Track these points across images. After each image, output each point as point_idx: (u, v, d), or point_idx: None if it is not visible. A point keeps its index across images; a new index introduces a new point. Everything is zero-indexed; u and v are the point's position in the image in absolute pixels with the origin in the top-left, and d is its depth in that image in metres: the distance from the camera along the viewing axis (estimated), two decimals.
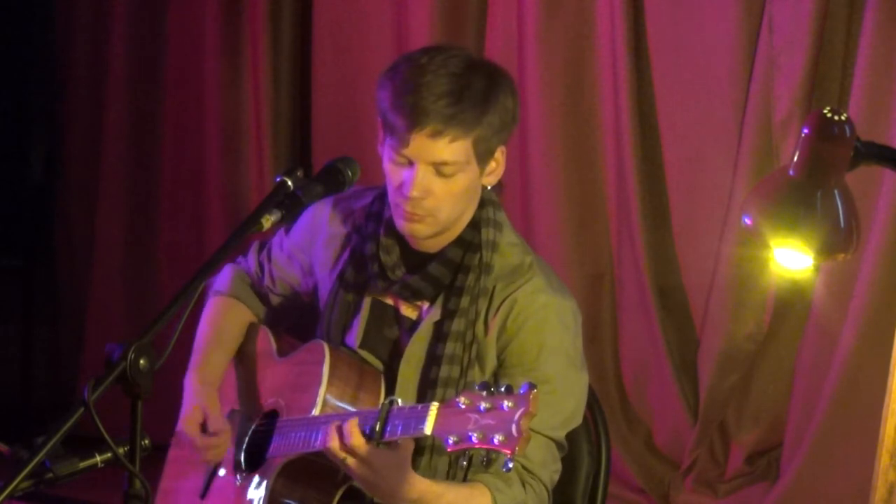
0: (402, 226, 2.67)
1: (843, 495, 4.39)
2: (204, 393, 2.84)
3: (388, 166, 2.65)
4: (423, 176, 2.60)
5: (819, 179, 2.23)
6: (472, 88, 2.59)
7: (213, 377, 2.89)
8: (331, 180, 2.63)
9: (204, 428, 2.78)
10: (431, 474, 2.63)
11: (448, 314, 2.68)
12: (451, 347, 2.66)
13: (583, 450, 2.88)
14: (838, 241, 2.26)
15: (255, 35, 5.43)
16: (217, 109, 5.52)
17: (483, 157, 2.65)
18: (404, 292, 2.73)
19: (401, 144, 2.60)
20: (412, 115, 2.57)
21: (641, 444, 4.86)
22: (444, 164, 2.60)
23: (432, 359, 2.68)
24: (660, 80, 4.70)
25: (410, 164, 2.61)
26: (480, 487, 2.61)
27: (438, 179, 2.61)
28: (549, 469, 2.67)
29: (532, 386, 2.20)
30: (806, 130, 2.23)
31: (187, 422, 2.79)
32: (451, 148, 2.59)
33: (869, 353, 4.25)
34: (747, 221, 2.29)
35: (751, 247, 4.25)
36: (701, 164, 4.68)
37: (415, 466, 2.58)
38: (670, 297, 4.78)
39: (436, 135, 2.57)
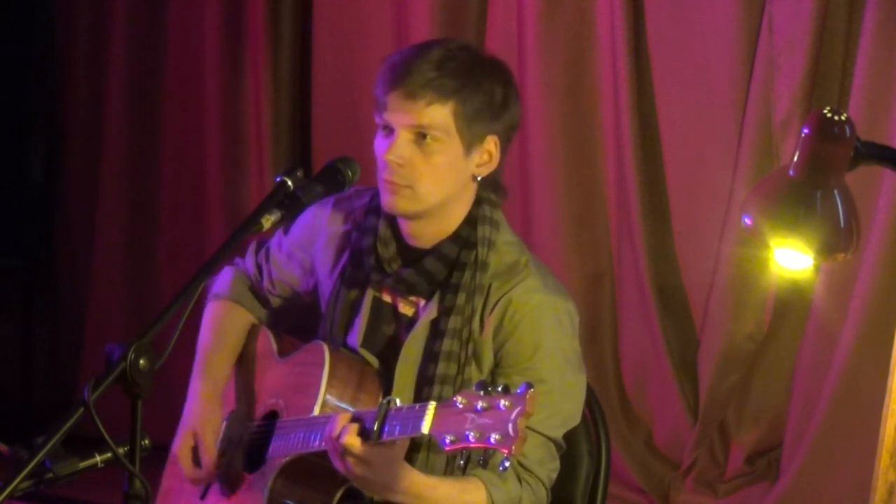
0: (385, 201, 2.68)
1: (843, 495, 4.39)
2: (204, 410, 2.84)
3: (375, 144, 2.68)
4: (401, 141, 2.63)
5: (819, 179, 2.23)
6: (458, 61, 2.63)
7: (218, 382, 2.90)
8: (331, 180, 2.63)
9: (195, 455, 2.81)
10: (428, 472, 2.63)
11: (444, 311, 2.69)
12: (447, 344, 2.67)
13: (583, 449, 2.88)
14: (838, 241, 2.26)
15: (255, 35, 5.43)
16: (217, 110, 5.52)
17: (467, 136, 2.65)
18: (399, 286, 2.73)
19: (381, 108, 2.64)
20: (393, 75, 2.62)
21: (641, 444, 4.86)
22: (422, 127, 2.61)
23: (429, 356, 2.69)
24: (660, 80, 4.70)
25: (392, 132, 2.64)
26: (475, 481, 2.61)
27: (418, 150, 2.63)
28: (547, 467, 2.68)
29: (529, 386, 2.21)
30: (806, 130, 2.23)
31: (180, 446, 2.83)
32: (428, 112, 2.61)
33: (869, 353, 4.25)
34: (747, 221, 2.29)
35: (751, 247, 4.25)
36: (701, 164, 4.68)
37: (411, 464, 2.59)
38: (670, 297, 4.78)
39: (411, 96, 2.60)
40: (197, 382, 2.89)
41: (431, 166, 2.64)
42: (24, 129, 5.91)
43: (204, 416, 2.83)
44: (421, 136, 2.63)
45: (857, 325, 4.30)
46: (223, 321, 2.97)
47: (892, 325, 2.43)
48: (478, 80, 2.64)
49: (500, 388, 2.22)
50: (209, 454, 2.80)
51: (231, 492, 2.78)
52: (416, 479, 2.54)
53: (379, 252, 2.74)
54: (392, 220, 2.74)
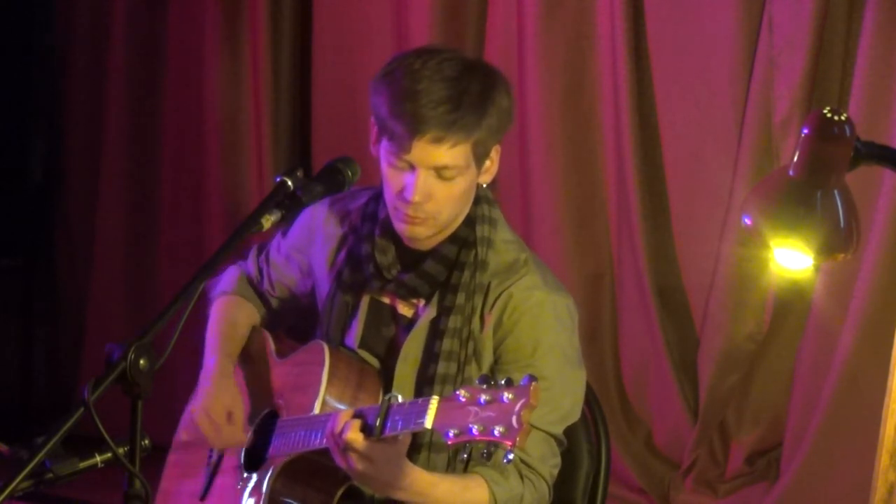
0: (403, 229, 2.68)
1: (843, 495, 4.39)
2: (229, 386, 2.84)
3: (387, 170, 2.66)
4: (424, 180, 2.61)
5: (819, 179, 2.23)
6: (469, 93, 2.60)
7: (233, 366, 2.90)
8: (331, 180, 2.64)
9: (230, 418, 2.79)
10: (430, 470, 2.63)
11: (444, 311, 2.69)
12: (447, 344, 2.67)
13: (583, 449, 2.88)
14: (838, 241, 2.26)
15: (255, 35, 5.43)
16: (217, 109, 5.52)
17: (481, 158, 2.67)
18: (401, 290, 2.74)
19: (402, 150, 2.60)
20: (413, 123, 2.58)
21: (641, 444, 4.86)
22: (446, 168, 2.61)
23: (429, 356, 2.69)
24: (660, 80, 4.70)
25: (412, 168, 2.62)
26: (477, 478, 2.62)
27: (439, 183, 2.62)
28: (549, 463, 2.68)
29: (532, 378, 2.21)
30: (806, 130, 2.23)
31: (213, 407, 2.79)
32: (453, 153, 2.60)
33: (869, 353, 4.25)
34: (747, 221, 2.29)
35: (751, 247, 4.25)
36: (701, 164, 4.68)
37: (413, 463, 2.59)
38: (670, 297, 4.78)
39: (437, 141, 2.59)
40: (215, 370, 2.86)
41: (451, 194, 2.64)
42: (24, 129, 5.91)
43: (232, 390, 2.83)
44: (443, 168, 2.62)
45: (857, 325, 4.30)
46: (233, 313, 2.98)
47: (892, 325, 2.43)
48: (491, 104, 2.62)
49: (503, 382, 2.23)
50: (243, 418, 2.80)
51: (232, 492, 2.78)
52: (417, 476, 2.54)
53: (378, 260, 2.74)
54: (389, 226, 2.74)
